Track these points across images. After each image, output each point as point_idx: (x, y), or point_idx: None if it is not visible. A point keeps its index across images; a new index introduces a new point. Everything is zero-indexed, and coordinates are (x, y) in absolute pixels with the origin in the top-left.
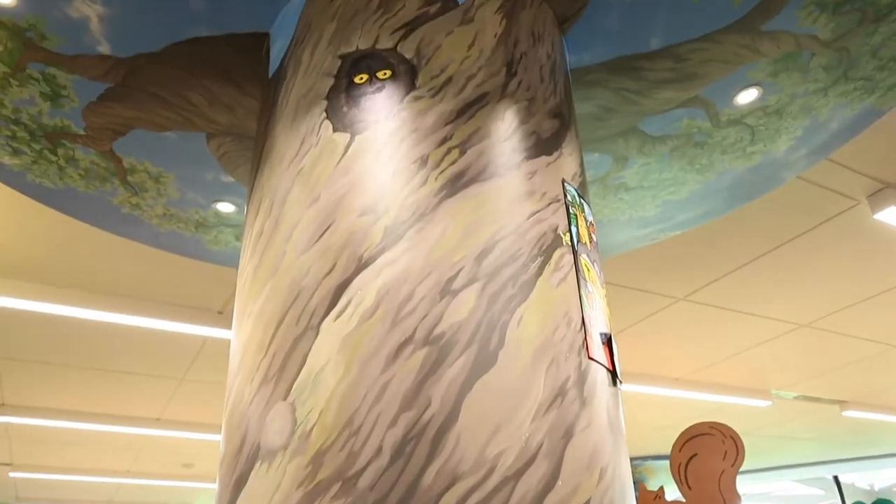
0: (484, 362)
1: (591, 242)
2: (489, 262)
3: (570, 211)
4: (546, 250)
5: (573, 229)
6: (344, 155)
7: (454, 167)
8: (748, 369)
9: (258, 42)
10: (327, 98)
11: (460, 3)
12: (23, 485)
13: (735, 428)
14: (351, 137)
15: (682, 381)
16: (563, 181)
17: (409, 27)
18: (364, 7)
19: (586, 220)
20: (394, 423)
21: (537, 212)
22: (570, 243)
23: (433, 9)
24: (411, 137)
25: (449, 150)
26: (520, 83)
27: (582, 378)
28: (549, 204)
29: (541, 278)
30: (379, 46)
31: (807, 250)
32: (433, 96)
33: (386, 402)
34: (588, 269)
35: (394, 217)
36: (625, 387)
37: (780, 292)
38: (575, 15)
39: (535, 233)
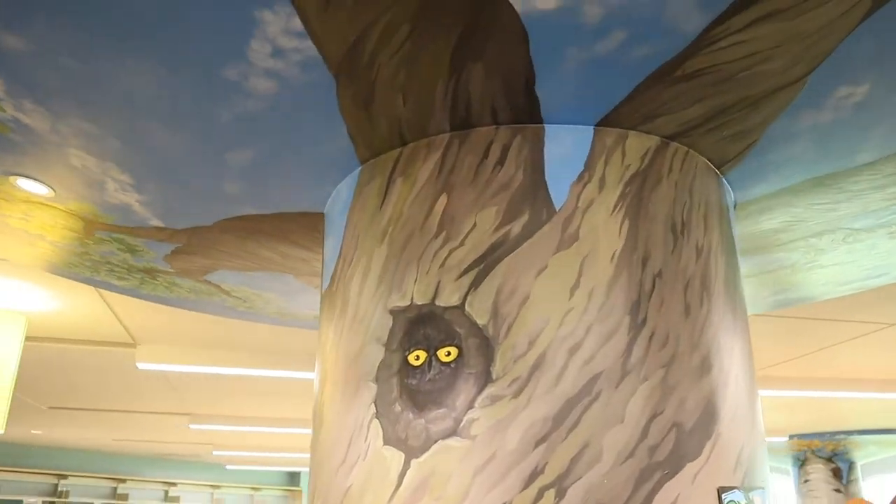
0: None
1: None
2: None
3: None
4: None
5: None
6: (397, 489)
7: None
8: None
9: (314, 217)
10: (376, 381)
11: (557, 208)
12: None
13: None
14: (405, 461)
15: (890, 382)
16: (720, 492)
17: (483, 265)
18: (420, 228)
19: None
20: None
21: None
22: None
23: (517, 226)
24: (487, 472)
25: (541, 495)
26: (651, 338)
27: None
28: None
29: None
30: (440, 302)
31: None
32: (517, 394)
33: None
34: None
35: None
36: (819, 393)
37: None
38: (741, 154)
39: None
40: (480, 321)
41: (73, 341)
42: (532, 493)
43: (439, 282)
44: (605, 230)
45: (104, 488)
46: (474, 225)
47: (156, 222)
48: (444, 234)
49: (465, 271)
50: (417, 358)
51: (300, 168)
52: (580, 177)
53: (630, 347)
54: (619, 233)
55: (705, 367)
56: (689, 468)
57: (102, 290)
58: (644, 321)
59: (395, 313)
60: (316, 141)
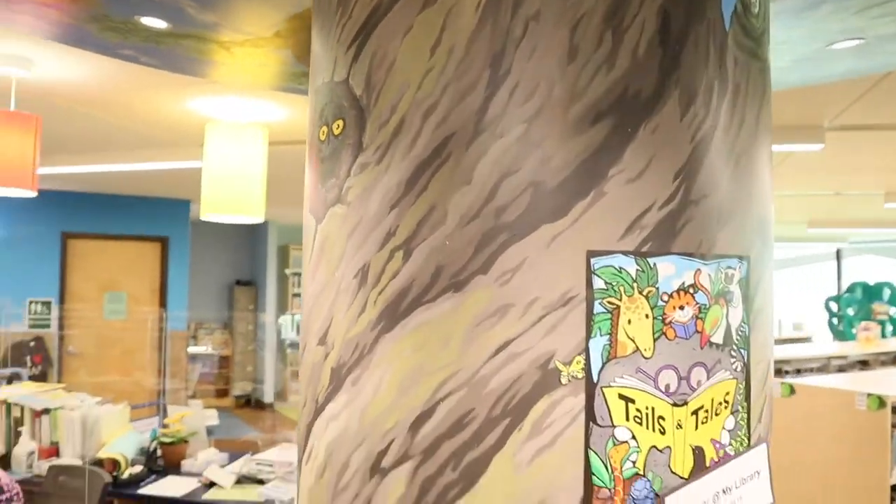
0: None
1: (655, 342)
2: (426, 432)
3: (601, 308)
4: (517, 406)
5: (599, 342)
6: (312, 251)
7: (397, 282)
8: None
9: None
10: (308, 157)
11: None
12: None
13: None
14: (316, 227)
15: None
16: (590, 256)
17: (364, 34)
18: (328, 4)
19: (652, 304)
20: None
21: (512, 340)
22: (579, 375)
23: None
24: (355, 235)
25: (391, 255)
26: (513, 91)
27: None
28: (543, 317)
29: (499, 455)
30: (336, 77)
31: None
32: (380, 161)
33: None
34: (635, 400)
35: (337, 356)
36: None
37: None
38: None
39: (501, 380)
40: (358, 92)
41: None
42: (385, 254)
43: (336, 58)
44: None
45: None
46: None
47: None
48: (341, 7)
49: (351, 44)
50: (323, 133)
51: None
52: None
53: (487, 104)
54: None
55: (591, 117)
56: (546, 230)
57: None
58: (507, 73)
59: (315, 92)
60: None
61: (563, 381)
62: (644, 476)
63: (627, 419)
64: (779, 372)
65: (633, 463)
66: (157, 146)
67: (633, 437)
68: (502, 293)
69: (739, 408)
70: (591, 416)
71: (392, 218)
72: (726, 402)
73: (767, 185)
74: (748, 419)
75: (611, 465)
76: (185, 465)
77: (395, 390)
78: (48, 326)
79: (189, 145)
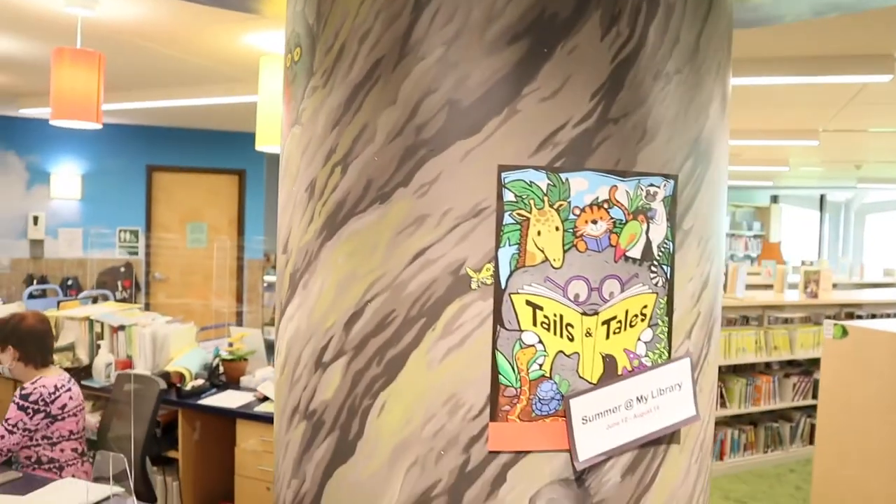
0: (343, 451)
1: (564, 251)
2: (357, 330)
3: (511, 220)
4: (431, 308)
5: (508, 251)
6: (281, 165)
7: (336, 195)
8: None
9: None
10: (284, 80)
11: None
12: None
13: None
14: (283, 141)
15: None
16: (501, 171)
17: None
18: None
19: (563, 217)
20: (289, 485)
21: (428, 247)
22: (488, 281)
23: None
24: (306, 153)
25: (332, 170)
26: (434, 17)
27: (468, 478)
28: (456, 226)
29: (416, 352)
30: (297, 7)
31: None
32: (325, 84)
33: (287, 462)
34: (542, 308)
35: (293, 263)
36: None
37: None
38: None
39: (418, 284)
40: (311, 21)
41: None
42: (328, 169)
43: None
44: None
45: None
46: None
47: None
48: None
49: None
50: (289, 59)
51: None
52: None
53: (411, 28)
54: None
55: (507, 39)
56: (460, 146)
57: None
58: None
59: (287, 21)
60: None
61: (474, 286)
62: (551, 378)
63: (535, 325)
64: (850, 315)
65: (540, 366)
66: (222, 81)
67: (541, 342)
68: (420, 204)
69: (659, 322)
70: (498, 319)
71: (334, 136)
72: (643, 314)
73: (711, 105)
74: (669, 333)
75: (517, 366)
76: (244, 380)
77: (332, 293)
78: (136, 253)
79: (252, 80)
